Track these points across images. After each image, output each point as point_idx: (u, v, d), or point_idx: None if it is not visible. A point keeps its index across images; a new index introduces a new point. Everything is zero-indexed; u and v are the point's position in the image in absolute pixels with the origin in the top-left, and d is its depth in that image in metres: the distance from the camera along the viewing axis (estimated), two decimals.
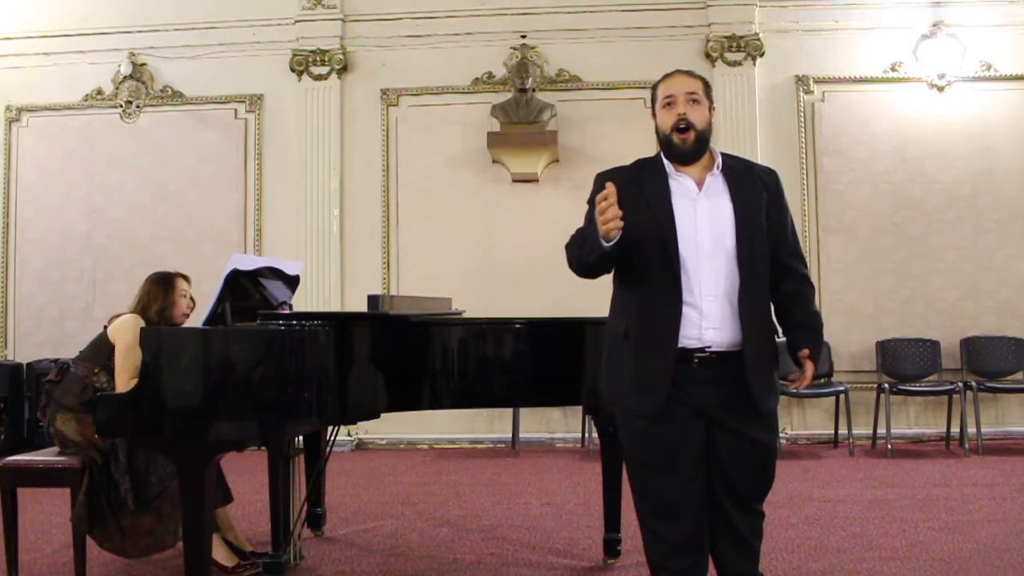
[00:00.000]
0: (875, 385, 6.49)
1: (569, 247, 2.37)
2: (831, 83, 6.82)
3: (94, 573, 3.53)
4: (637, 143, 6.25)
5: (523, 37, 6.94)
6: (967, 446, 6.16)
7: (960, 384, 6.31)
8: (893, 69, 6.81)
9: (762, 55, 6.80)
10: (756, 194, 2.35)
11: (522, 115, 6.62)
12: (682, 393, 2.26)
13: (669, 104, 2.34)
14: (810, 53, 6.84)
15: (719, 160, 2.37)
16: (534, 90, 6.73)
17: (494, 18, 6.94)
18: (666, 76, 2.41)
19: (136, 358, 3.19)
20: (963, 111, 6.74)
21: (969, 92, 6.75)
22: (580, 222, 2.39)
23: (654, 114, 2.41)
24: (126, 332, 3.41)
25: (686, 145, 2.32)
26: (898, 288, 6.72)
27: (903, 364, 6.56)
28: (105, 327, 3.57)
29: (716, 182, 2.34)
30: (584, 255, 2.27)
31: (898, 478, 5.37)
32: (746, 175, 2.39)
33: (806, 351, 2.34)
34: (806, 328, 2.40)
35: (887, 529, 4.14)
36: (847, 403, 6.31)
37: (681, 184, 2.33)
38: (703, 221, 2.29)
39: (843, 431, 6.41)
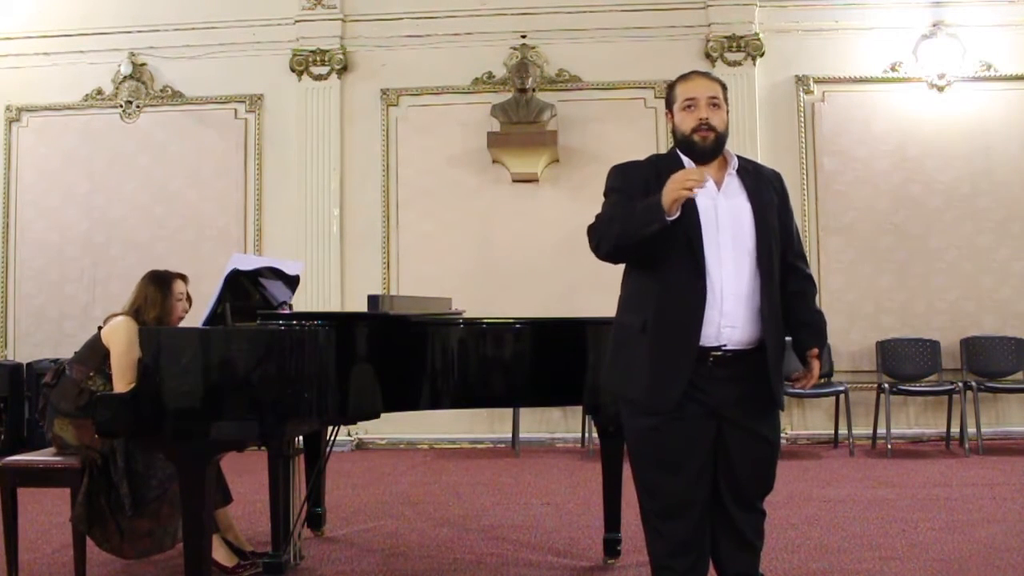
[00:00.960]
0: (875, 385, 6.49)
1: (595, 228, 2.34)
2: (831, 83, 6.82)
3: (94, 573, 3.53)
4: (637, 143, 6.29)
5: (523, 37, 6.93)
6: (967, 446, 6.16)
7: (960, 384, 6.31)
8: (893, 69, 6.81)
9: (762, 55, 6.80)
10: (768, 195, 2.38)
11: (522, 115, 6.61)
12: (697, 391, 2.27)
13: (690, 107, 2.36)
14: (810, 53, 6.84)
15: (734, 161, 2.39)
16: (534, 90, 6.72)
17: (494, 18, 6.94)
18: (685, 77, 2.41)
19: (132, 361, 3.17)
20: (963, 111, 6.74)
21: (969, 92, 6.75)
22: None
23: (670, 113, 2.43)
24: (121, 336, 3.39)
25: (707, 143, 2.34)
26: (898, 288, 6.72)
27: (903, 364, 6.55)
28: (100, 328, 3.54)
29: (733, 182, 2.37)
30: (638, 228, 2.20)
31: (898, 478, 5.36)
32: (757, 176, 2.42)
33: (815, 350, 2.36)
34: (811, 327, 2.43)
35: (887, 529, 4.14)
36: (847, 403, 6.31)
37: None
38: (724, 221, 2.30)
39: (843, 431, 6.40)
